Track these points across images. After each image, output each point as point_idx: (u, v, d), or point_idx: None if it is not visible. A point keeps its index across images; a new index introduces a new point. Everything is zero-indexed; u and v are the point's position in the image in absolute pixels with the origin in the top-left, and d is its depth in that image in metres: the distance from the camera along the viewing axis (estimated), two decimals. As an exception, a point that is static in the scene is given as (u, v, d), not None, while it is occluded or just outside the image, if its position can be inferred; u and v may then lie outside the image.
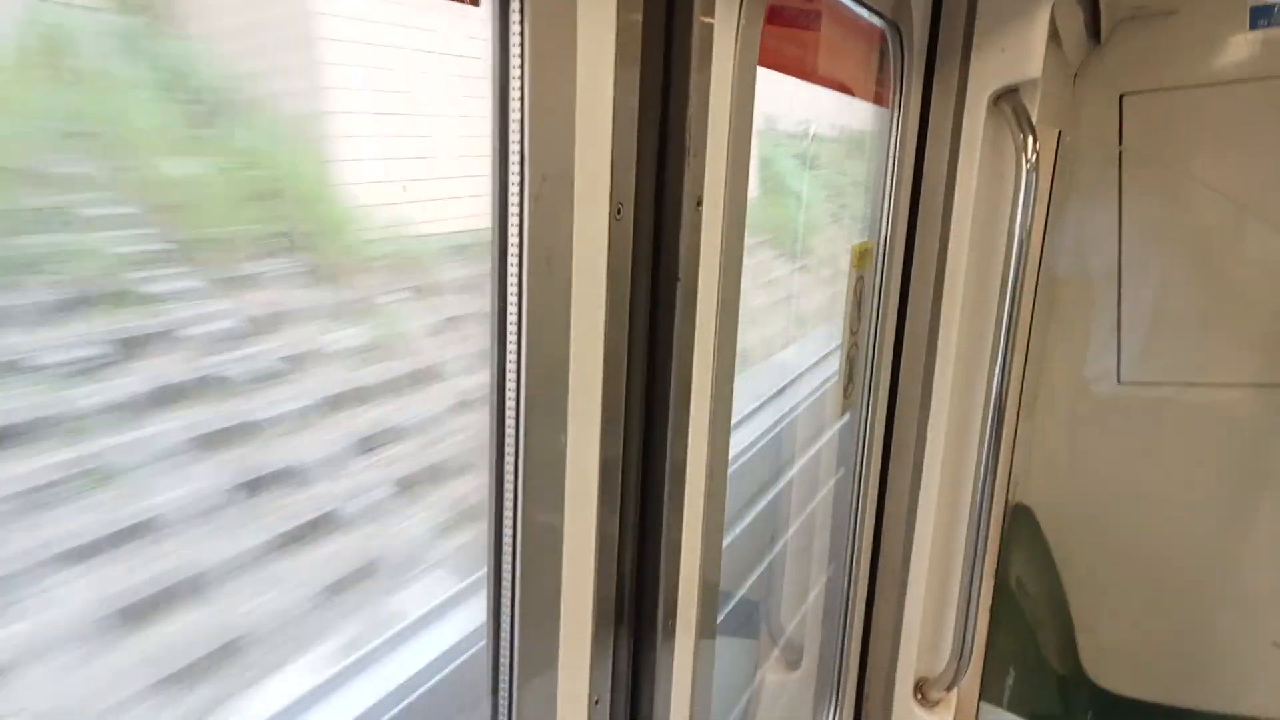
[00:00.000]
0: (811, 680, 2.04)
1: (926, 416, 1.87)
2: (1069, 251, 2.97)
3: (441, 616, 1.32)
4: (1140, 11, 2.66)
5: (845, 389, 1.78)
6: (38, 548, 0.83)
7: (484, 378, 0.82)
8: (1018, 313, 1.69)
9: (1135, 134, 2.80)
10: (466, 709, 1.26)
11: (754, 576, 1.95)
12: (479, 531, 0.89)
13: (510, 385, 0.76)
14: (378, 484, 1.26)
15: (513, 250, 0.71)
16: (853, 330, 1.73)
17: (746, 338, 1.61)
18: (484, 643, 0.89)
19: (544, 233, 0.71)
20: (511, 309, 0.73)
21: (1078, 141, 2.83)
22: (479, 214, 0.76)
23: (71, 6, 0.77)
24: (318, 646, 1.19)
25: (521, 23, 0.65)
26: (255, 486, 1.05)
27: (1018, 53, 1.66)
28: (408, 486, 1.30)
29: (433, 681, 1.26)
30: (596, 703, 0.97)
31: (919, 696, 1.99)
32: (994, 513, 1.82)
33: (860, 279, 1.72)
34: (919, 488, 1.91)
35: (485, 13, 0.67)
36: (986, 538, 1.80)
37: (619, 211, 0.79)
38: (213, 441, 0.99)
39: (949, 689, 1.95)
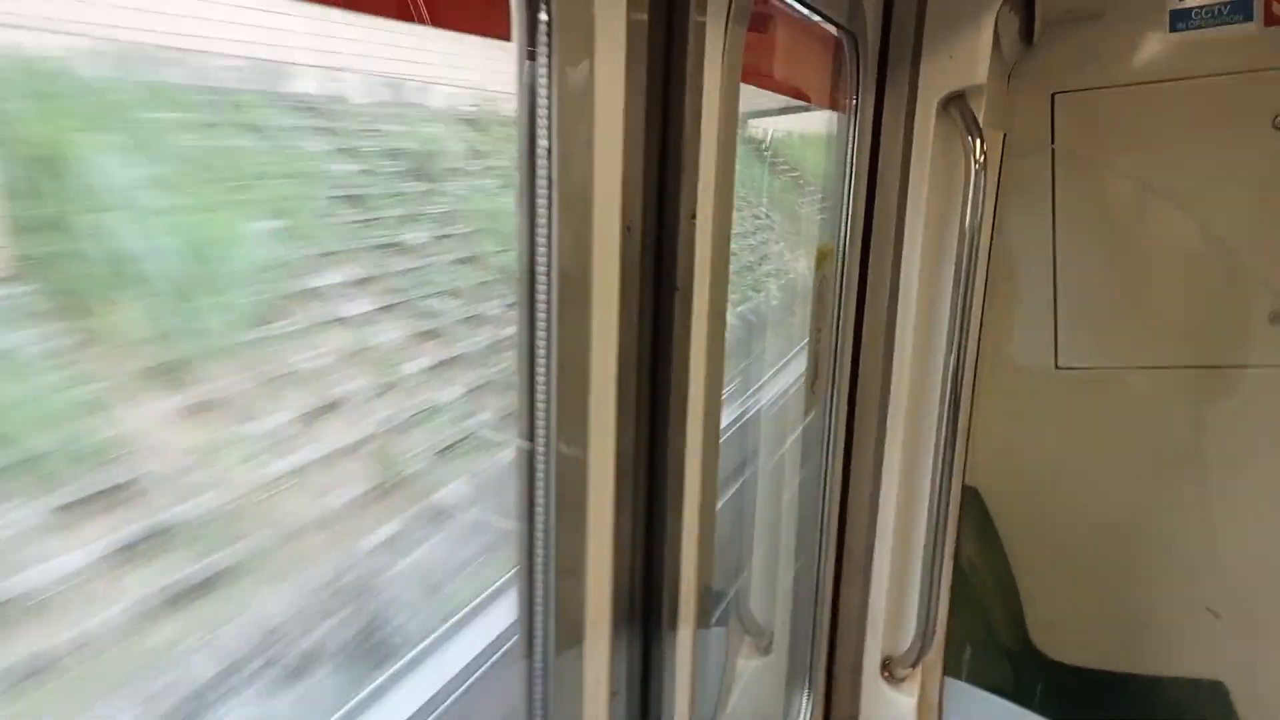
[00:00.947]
0: (784, 663, 2.12)
1: (886, 407, 1.96)
2: (1007, 244, 3.10)
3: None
4: (1070, 15, 2.79)
5: (812, 383, 1.86)
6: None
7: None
8: (970, 306, 1.78)
9: (1066, 131, 2.94)
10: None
11: (730, 566, 2.02)
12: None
13: (540, 402, 0.80)
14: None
15: (540, 271, 0.75)
16: (818, 327, 1.80)
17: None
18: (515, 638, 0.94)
19: (569, 252, 0.75)
20: (540, 328, 0.77)
21: (1013, 138, 2.96)
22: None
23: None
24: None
25: (549, 59, 0.70)
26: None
27: (964, 59, 1.75)
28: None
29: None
30: (614, 695, 1.03)
31: (886, 674, 2.08)
32: (952, 495, 1.91)
33: (823, 278, 1.79)
34: (880, 475, 1.99)
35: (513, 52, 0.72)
36: (946, 520, 1.89)
37: (629, 229, 0.84)
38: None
39: (914, 665, 2.04)
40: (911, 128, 1.79)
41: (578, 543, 0.91)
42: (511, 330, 0.80)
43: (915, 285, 1.86)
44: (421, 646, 2.35)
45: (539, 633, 0.94)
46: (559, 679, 0.95)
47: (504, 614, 2.51)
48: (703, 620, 1.24)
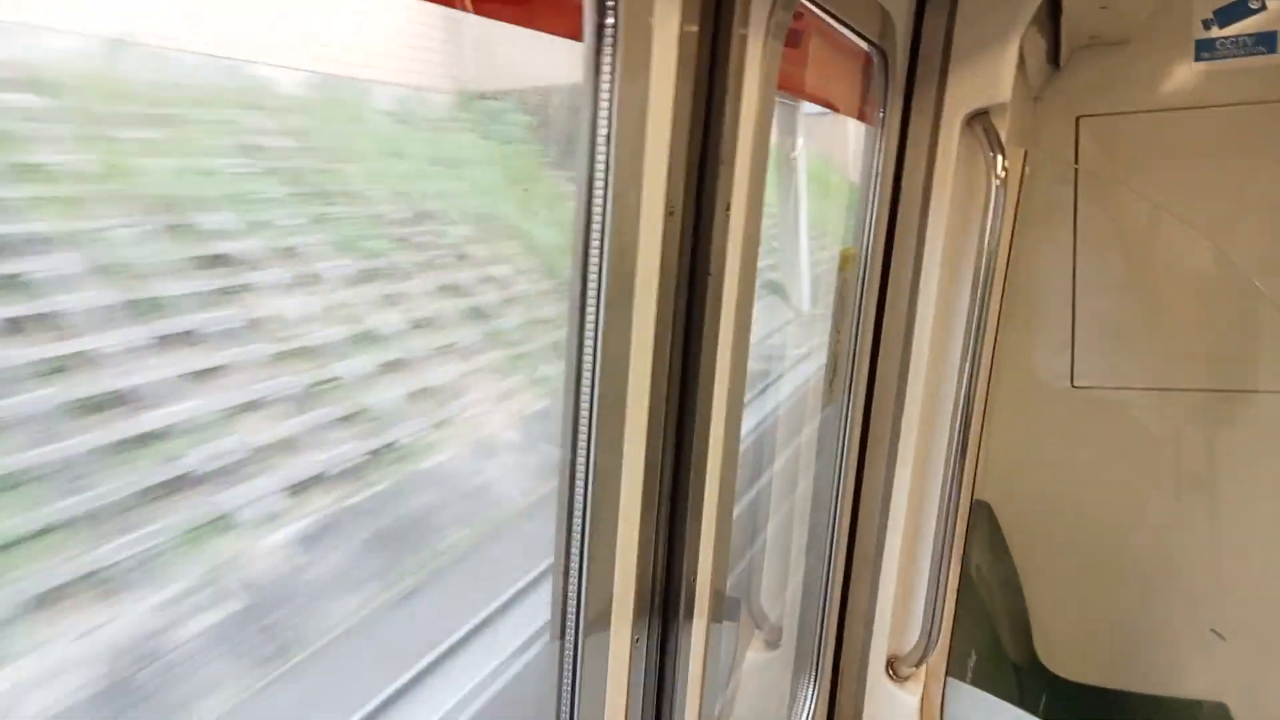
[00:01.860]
0: (790, 658, 2.18)
1: (900, 413, 2.02)
2: (1028, 262, 3.15)
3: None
4: (1096, 40, 2.86)
5: (830, 384, 1.92)
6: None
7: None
8: (986, 319, 1.84)
9: (1090, 154, 3.00)
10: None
11: (742, 560, 2.08)
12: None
13: (584, 410, 0.89)
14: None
15: (594, 248, 0.84)
16: (838, 329, 1.87)
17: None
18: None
19: (620, 230, 0.84)
20: (591, 310, 0.86)
21: (1037, 159, 3.02)
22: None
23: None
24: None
25: (614, 60, 0.79)
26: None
27: (989, 78, 1.81)
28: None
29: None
30: (634, 677, 1.12)
31: (890, 672, 2.14)
32: (962, 501, 1.97)
33: (845, 281, 1.86)
34: (892, 478, 2.05)
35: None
36: (954, 524, 1.95)
37: (671, 213, 0.92)
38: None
39: (918, 665, 2.09)
40: (936, 142, 1.86)
41: (608, 540, 1.01)
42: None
43: (934, 294, 1.92)
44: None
45: (571, 617, 1.03)
46: (586, 660, 1.05)
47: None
48: (715, 615, 1.33)
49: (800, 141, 2.95)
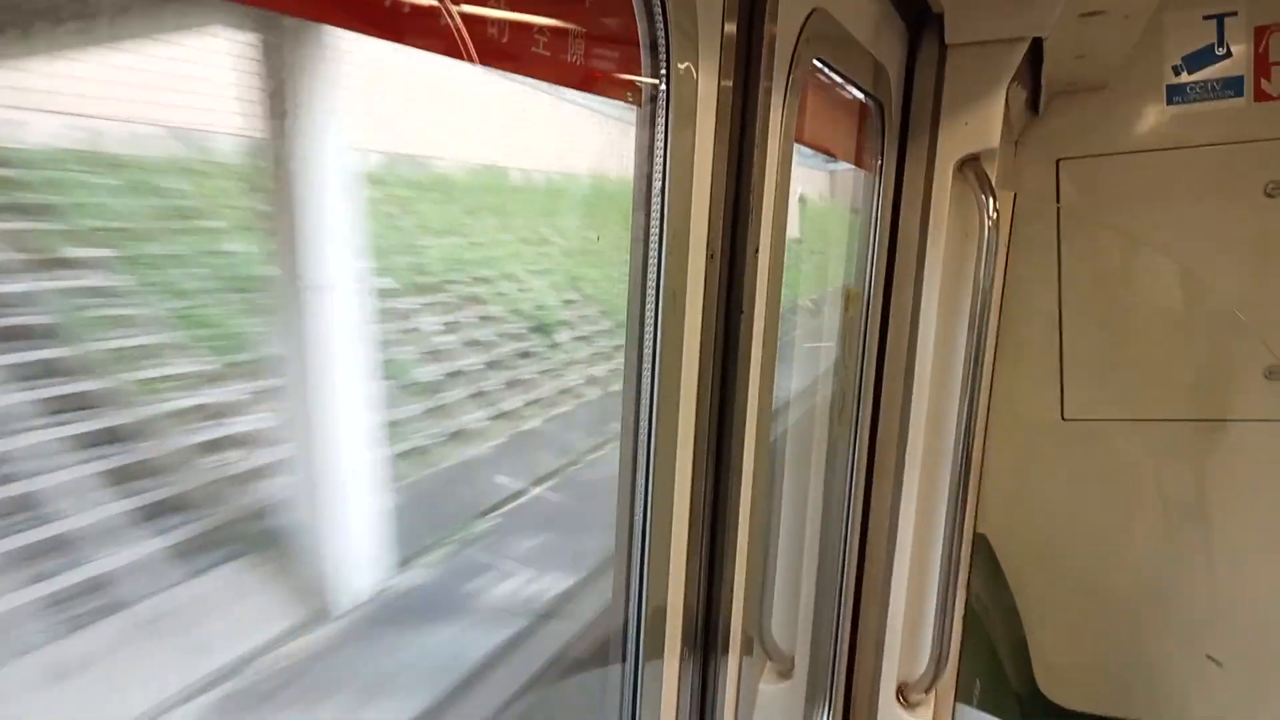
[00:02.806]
0: (802, 687, 2.22)
1: (904, 447, 2.09)
2: (1017, 299, 3.26)
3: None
4: (1073, 87, 3.00)
5: (837, 419, 2.00)
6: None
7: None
8: (983, 355, 1.93)
9: (1071, 194, 3.13)
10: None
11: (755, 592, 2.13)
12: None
13: (643, 428, 0.97)
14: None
15: (650, 290, 0.91)
16: (846, 366, 1.95)
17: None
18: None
19: (671, 273, 0.91)
20: (648, 343, 0.93)
21: (1021, 201, 3.14)
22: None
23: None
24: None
25: (667, 116, 0.87)
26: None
27: (979, 125, 1.92)
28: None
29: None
30: (680, 706, 1.19)
31: (901, 699, 2.18)
32: (965, 531, 2.04)
33: (850, 319, 1.94)
34: (898, 509, 2.12)
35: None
36: (959, 553, 2.01)
37: (712, 257, 1.00)
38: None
39: (927, 691, 2.14)
40: (930, 186, 1.96)
41: (661, 576, 1.09)
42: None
43: (933, 332, 2.00)
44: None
45: (630, 644, 1.11)
46: (645, 684, 1.14)
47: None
48: (747, 649, 1.41)
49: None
